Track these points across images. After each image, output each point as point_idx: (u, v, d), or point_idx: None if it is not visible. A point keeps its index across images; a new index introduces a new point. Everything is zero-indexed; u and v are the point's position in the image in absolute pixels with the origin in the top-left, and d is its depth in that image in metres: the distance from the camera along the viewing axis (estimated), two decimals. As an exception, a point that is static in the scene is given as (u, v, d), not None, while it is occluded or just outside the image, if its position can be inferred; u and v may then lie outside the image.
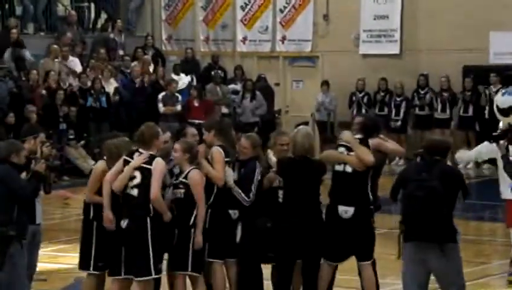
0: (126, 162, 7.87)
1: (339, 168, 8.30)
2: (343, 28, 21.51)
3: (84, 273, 8.21)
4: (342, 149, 8.33)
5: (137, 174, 7.78)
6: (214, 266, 8.15)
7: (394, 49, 21.16)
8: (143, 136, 7.94)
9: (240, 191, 8.09)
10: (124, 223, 7.73)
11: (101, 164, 8.14)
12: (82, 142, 18.78)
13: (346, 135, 8.33)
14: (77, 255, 8.23)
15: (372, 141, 8.31)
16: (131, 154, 7.91)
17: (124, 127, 17.86)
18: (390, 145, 8.60)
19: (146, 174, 7.76)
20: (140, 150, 7.91)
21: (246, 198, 8.05)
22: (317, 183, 8.21)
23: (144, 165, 7.80)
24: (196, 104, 20.31)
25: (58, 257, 8.93)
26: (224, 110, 20.94)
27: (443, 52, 20.38)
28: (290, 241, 8.02)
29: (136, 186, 7.76)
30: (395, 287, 9.24)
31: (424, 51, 20.85)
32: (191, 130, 8.61)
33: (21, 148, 7.86)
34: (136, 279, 7.71)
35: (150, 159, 7.82)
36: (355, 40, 21.56)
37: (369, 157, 8.15)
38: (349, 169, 8.26)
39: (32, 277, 8.57)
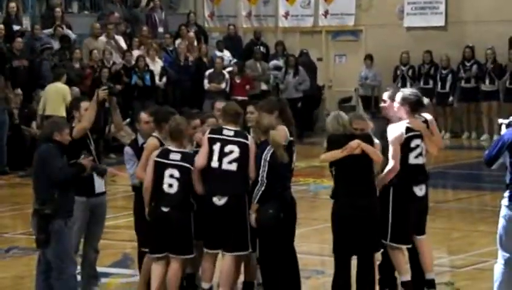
0: (157, 163, 7.88)
1: None
2: (387, 1, 21.32)
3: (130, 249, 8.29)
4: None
5: (175, 172, 7.83)
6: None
7: (439, 21, 20.93)
8: (172, 133, 7.93)
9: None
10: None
11: (152, 141, 8.15)
12: (128, 120, 18.86)
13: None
14: (125, 231, 8.30)
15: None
16: (164, 155, 7.89)
17: (171, 106, 17.92)
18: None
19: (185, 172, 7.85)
20: (172, 148, 7.91)
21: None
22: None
23: (183, 164, 7.84)
24: (237, 80, 20.30)
25: (106, 233, 8.98)
26: (264, 86, 20.90)
27: (488, 23, 20.12)
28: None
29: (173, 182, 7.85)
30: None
31: (470, 23, 20.59)
32: (218, 104, 8.62)
33: (64, 127, 7.88)
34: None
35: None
36: (399, 13, 21.36)
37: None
38: None
39: (97, 249, 8.64)
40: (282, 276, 7.91)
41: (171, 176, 7.86)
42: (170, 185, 7.86)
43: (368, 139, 7.85)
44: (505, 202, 7.73)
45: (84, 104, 8.53)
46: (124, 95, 18.98)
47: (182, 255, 7.91)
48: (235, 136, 7.95)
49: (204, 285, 8.15)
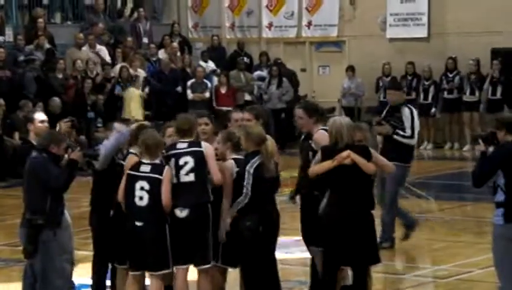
0: (129, 176, 7.76)
1: None
2: (369, 12, 21.39)
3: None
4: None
5: (145, 184, 7.71)
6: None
7: (422, 32, 21.02)
8: (143, 146, 7.79)
9: None
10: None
11: (131, 158, 7.99)
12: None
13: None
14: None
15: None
16: (136, 167, 7.78)
17: (155, 116, 17.96)
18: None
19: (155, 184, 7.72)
20: (144, 160, 7.78)
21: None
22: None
23: (151, 175, 7.72)
24: (223, 91, 20.31)
25: (88, 245, 8.93)
26: (247, 97, 20.91)
27: (471, 34, 20.22)
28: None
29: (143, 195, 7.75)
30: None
31: (452, 34, 20.69)
32: (235, 115, 8.49)
33: (62, 140, 7.84)
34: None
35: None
36: (381, 24, 21.44)
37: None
38: None
39: (72, 261, 8.57)
40: (264, 288, 7.87)
41: (142, 188, 7.70)
42: (141, 198, 7.71)
43: (363, 151, 7.82)
44: (499, 221, 7.49)
45: (38, 116, 8.42)
46: (108, 105, 18.97)
47: (158, 270, 7.76)
48: (188, 147, 7.87)
49: None
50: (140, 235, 7.72)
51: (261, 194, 7.78)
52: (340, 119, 7.95)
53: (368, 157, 7.79)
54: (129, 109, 18.47)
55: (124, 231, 7.85)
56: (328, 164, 7.74)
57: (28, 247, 7.68)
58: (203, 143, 7.93)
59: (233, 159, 7.91)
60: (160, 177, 7.69)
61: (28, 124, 8.45)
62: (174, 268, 7.90)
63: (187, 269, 7.93)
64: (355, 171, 7.73)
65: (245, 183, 7.73)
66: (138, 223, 7.73)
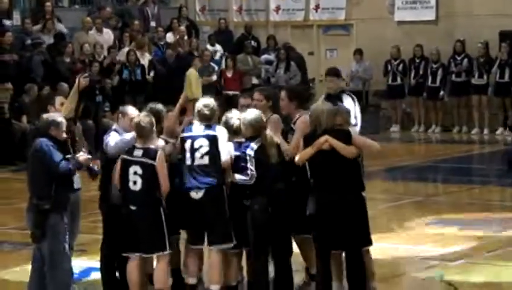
0: (123, 161, 7.82)
1: None
2: (377, -5, 21.34)
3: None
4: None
5: (138, 169, 7.75)
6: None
7: (430, 15, 20.95)
8: (136, 131, 7.82)
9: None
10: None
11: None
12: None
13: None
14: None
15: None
16: (130, 152, 7.82)
17: (161, 100, 17.86)
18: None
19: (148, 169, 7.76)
20: (137, 145, 7.81)
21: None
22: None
23: (143, 160, 7.76)
24: (229, 74, 20.29)
25: (97, 228, 8.97)
26: (255, 80, 20.88)
27: (479, 17, 20.15)
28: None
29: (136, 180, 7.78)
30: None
31: (460, 16, 20.62)
32: (242, 101, 8.58)
33: (61, 123, 7.87)
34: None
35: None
36: (390, 7, 21.37)
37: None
38: None
39: (73, 246, 8.64)
40: (275, 273, 7.90)
41: (135, 173, 7.77)
42: (134, 183, 7.79)
43: (343, 135, 7.82)
44: None
45: (58, 99, 8.52)
46: (116, 89, 18.96)
47: (153, 253, 7.85)
48: (204, 129, 7.97)
49: (191, 280, 8.15)
50: (135, 219, 7.81)
51: (266, 177, 7.81)
52: (320, 106, 8.05)
53: (348, 141, 7.80)
54: (190, 88, 18.47)
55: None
56: (309, 151, 7.82)
57: (35, 231, 7.72)
58: (217, 127, 8.01)
59: (233, 142, 7.99)
60: (152, 162, 7.76)
61: (49, 106, 8.52)
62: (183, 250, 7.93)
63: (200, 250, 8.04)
64: (335, 155, 7.76)
65: (248, 165, 7.80)
66: (132, 207, 7.82)
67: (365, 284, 7.88)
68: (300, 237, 8.26)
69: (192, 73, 19.15)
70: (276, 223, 7.88)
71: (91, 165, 8.01)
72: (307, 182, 7.95)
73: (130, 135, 8.06)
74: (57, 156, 7.69)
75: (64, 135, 7.81)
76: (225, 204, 7.94)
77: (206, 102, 8.13)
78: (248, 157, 7.80)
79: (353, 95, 9.28)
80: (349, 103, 9.25)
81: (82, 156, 7.86)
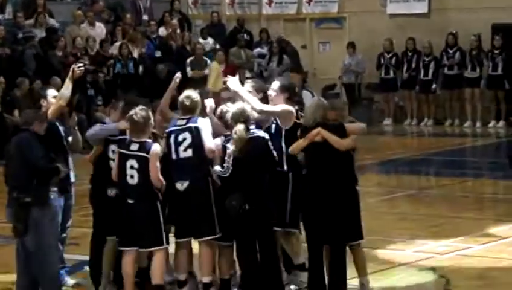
0: (120, 155, 7.84)
1: None
2: (370, -12, 21.33)
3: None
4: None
5: (134, 163, 7.77)
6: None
7: (422, 8, 20.96)
8: (130, 125, 7.83)
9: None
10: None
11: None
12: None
13: None
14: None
15: None
16: (126, 146, 7.83)
17: (149, 94, 17.83)
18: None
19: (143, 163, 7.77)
20: (133, 139, 7.82)
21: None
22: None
23: (139, 154, 7.77)
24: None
25: (89, 222, 8.95)
26: (248, 74, 20.85)
27: (471, 10, 20.15)
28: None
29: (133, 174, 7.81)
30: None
31: (453, 10, 20.63)
32: (224, 94, 8.66)
33: (44, 120, 7.86)
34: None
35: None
36: (382, 0, 21.36)
37: None
38: None
39: (65, 240, 8.64)
40: (261, 265, 7.88)
41: (132, 167, 7.80)
42: (132, 176, 7.81)
43: (336, 128, 7.82)
44: None
45: (50, 92, 8.50)
46: (108, 83, 18.93)
47: (150, 247, 7.84)
48: (186, 123, 8.00)
49: (181, 276, 8.14)
50: (132, 213, 7.81)
51: (243, 173, 7.78)
52: (315, 100, 8.13)
53: (342, 134, 7.80)
54: (212, 80, 18.48)
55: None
56: (301, 142, 7.84)
57: (18, 226, 7.66)
58: (199, 119, 8.03)
59: (225, 135, 7.99)
60: (147, 155, 7.78)
61: (42, 100, 8.49)
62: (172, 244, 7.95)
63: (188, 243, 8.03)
64: (327, 148, 7.76)
65: (226, 157, 7.80)
66: (130, 201, 7.83)
67: (346, 279, 7.85)
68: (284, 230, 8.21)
69: (214, 65, 19.17)
70: (256, 218, 7.81)
71: (62, 180, 7.92)
72: (288, 175, 7.97)
73: (112, 125, 8.11)
74: (38, 150, 7.64)
75: (43, 132, 7.76)
76: (210, 196, 7.95)
77: (188, 94, 8.16)
78: (227, 150, 7.81)
79: (313, 91, 9.30)
80: (309, 99, 9.34)
81: (63, 168, 7.82)
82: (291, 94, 8.29)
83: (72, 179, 8.49)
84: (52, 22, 19.57)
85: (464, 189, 13.91)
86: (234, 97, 8.33)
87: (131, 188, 7.82)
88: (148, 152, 7.79)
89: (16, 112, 17.14)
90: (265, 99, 8.29)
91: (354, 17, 21.75)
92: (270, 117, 8.17)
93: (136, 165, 7.79)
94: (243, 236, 7.87)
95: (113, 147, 8.11)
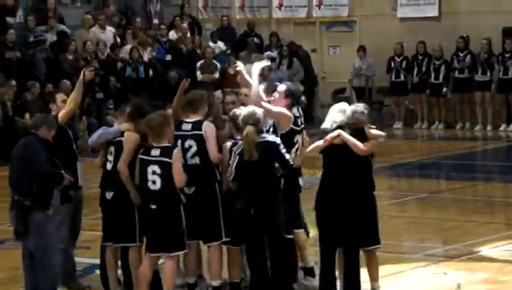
0: (141, 161, 7.77)
1: None
2: (380, -8, 21.32)
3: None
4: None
5: (156, 168, 7.71)
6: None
7: (433, 11, 20.93)
8: (150, 130, 7.76)
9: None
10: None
11: (132, 135, 8.00)
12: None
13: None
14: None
15: None
16: (147, 152, 7.76)
17: (159, 98, 17.86)
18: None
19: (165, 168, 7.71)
20: (154, 144, 7.75)
21: None
22: None
23: (161, 159, 7.70)
24: (231, 72, 20.26)
25: (100, 225, 8.95)
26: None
27: (482, 14, 20.12)
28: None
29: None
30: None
31: (463, 13, 20.61)
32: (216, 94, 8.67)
33: (54, 126, 7.85)
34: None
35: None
36: (393, 4, 21.35)
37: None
38: None
39: (75, 242, 8.65)
40: (271, 268, 7.87)
41: (153, 172, 7.73)
42: (153, 182, 7.73)
43: (357, 132, 7.78)
44: None
45: (59, 96, 8.52)
46: (119, 87, 18.96)
47: (174, 252, 7.78)
48: (191, 129, 7.97)
49: (190, 279, 8.16)
50: (156, 218, 7.75)
51: (248, 177, 7.76)
52: (337, 104, 8.10)
53: (361, 138, 7.78)
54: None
55: (130, 211, 7.92)
56: (320, 144, 7.85)
57: (18, 228, 7.67)
58: (204, 123, 8.00)
59: (234, 139, 7.99)
60: (169, 160, 7.70)
61: (51, 104, 8.52)
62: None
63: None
64: (346, 151, 7.74)
65: (230, 161, 7.79)
66: (153, 206, 7.76)
67: (360, 284, 7.83)
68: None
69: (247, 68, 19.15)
70: (262, 222, 7.80)
71: (67, 188, 7.86)
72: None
73: (113, 128, 8.13)
74: (42, 154, 7.63)
75: (51, 138, 7.75)
76: (217, 201, 7.94)
77: (192, 92, 8.18)
78: (232, 155, 7.79)
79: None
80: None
81: (67, 176, 7.81)
82: (293, 100, 8.20)
83: (80, 183, 8.49)
84: (62, 28, 19.60)
85: (475, 193, 13.87)
86: (238, 101, 8.32)
87: (153, 194, 7.73)
88: (170, 157, 7.71)
89: (27, 116, 17.21)
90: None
91: (364, 20, 21.74)
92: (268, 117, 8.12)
93: (158, 171, 7.70)
94: (251, 240, 7.86)
95: (111, 148, 8.09)
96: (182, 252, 7.85)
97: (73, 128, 8.54)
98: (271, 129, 8.10)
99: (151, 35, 20.76)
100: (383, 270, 8.40)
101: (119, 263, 8.26)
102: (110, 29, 20.13)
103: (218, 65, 20.21)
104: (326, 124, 7.96)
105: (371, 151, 7.86)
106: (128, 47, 19.71)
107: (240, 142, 7.82)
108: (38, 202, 7.62)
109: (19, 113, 17.31)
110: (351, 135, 7.77)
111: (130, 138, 7.98)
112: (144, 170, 7.76)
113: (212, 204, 7.95)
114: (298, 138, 8.16)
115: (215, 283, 8.04)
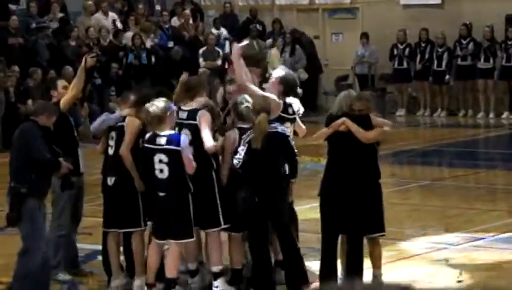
0: (146, 149, 7.75)
1: None
2: (383, -21, 21.26)
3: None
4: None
5: (163, 157, 7.67)
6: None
7: (436, -2, 20.88)
8: (154, 118, 7.70)
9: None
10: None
11: (134, 120, 8.00)
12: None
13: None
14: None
15: None
16: (152, 140, 7.71)
17: (162, 84, 17.83)
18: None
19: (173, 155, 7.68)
20: (158, 132, 7.69)
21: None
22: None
23: (168, 147, 7.66)
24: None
25: (102, 211, 8.95)
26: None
27: (486, 1, 20.06)
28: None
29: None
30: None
31: (466, 0, 20.54)
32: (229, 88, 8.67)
33: (54, 113, 7.83)
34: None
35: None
36: (396, -9, 21.30)
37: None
38: None
39: (77, 229, 8.66)
40: (282, 252, 7.88)
41: (160, 161, 7.68)
42: (161, 171, 7.69)
43: (362, 119, 7.78)
44: None
45: (60, 82, 8.50)
46: (122, 73, 18.93)
47: (182, 239, 7.77)
48: (186, 118, 7.95)
49: (191, 265, 8.17)
50: (164, 205, 7.73)
51: (254, 166, 7.74)
52: (344, 92, 8.10)
53: (367, 126, 7.76)
54: (275, 66, 18.64)
55: (133, 196, 7.92)
56: (325, 130, 7.86)
57: (10, 214, 7.64)
58: (199, 112, 7.94)
59: (238, 128, 7.95)
60: (177, 148, 7.65)
61: (52, 90, 8.49)
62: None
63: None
64: (351, 138, 7.74)
65: (239, 149, 7.74)
66: (161, 194, 7.74)
67: (362, 270, 7.83)
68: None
69: (273, 53, 19.19)
70: (266, 211, 7.78)
71: (66, 176, 7.84)
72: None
73: (115, 114, 8.13)
74: (40, 142, 7.61)
75: (51, 125, 7.73)
76: (214, 189, 7.92)
77: (188, 80, 8.17)
78: (242, 143, 7.76)
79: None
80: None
81: (65, 161, 7.78)
82: (286, 89, 8.13)
83: (82, 169, 8.47)
84: (64, 13, 19.57)
85: (477, 180, 13.86)
86: (236, 90, 8.28)
87: (161, 182, 7.70)
88: (178, 144, 7.66)
89: (30, 102, 17.19)
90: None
91: (367, 7, 21.68)
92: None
93: (165, 159, 7.65)
94: (255, 228, 7.86)
95: (112, 133, 8.08)
96: (189, 240, 7.83)
97: (75, 114, 8.53)
98: None
99: (153, 21, 20.71)
100: (384, 257, 8.39)
101: (121, 248, 8.27)
102: (112, 15, 20.08)
103: (220, 52, 20.18)
104: (333, 110, 7.97)
105: (375, 139, 7.85)
106: (130, 33, 19.67)
107: (248, 131, 7.78)
108: (34, 190, 7.59)
109: (22, 100, 17.29)
110: (356, 121, 7.75)
111: (132, 123, 7.97)
112: (151, 159, 7.72)
113: (209, 191, 7.92)
114: (288, 125, 8.10)
115: (216, 268, 8.04)
